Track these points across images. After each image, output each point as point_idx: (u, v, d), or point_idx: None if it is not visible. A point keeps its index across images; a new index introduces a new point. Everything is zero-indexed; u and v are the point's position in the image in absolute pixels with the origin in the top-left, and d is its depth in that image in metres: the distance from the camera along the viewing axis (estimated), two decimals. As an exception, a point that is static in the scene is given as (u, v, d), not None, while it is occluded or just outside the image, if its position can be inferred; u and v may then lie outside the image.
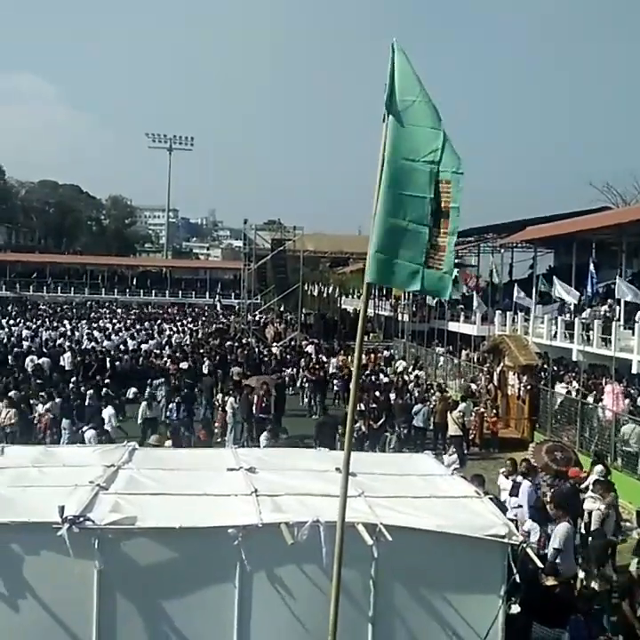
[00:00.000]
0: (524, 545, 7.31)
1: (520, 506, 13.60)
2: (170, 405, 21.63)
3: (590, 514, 13.37)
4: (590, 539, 12.32)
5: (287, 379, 30.77)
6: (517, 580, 7.19)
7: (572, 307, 31.79)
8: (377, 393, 23.83)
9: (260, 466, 8.59)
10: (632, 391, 23.10)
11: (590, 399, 22.75)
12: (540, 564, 7.70)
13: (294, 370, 32.84)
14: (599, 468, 15.02)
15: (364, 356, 36.67)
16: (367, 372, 30.08)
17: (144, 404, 21.11)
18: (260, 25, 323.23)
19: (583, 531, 13.25)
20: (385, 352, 40.27)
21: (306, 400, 28.08)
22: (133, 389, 26.15)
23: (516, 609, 8.05)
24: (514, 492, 13.84)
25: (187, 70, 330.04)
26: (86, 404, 21.43)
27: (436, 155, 5.68)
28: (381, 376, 29.80)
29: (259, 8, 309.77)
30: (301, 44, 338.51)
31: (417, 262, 5.71)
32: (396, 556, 6.96)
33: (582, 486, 14.35)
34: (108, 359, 30.88)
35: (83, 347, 36.35)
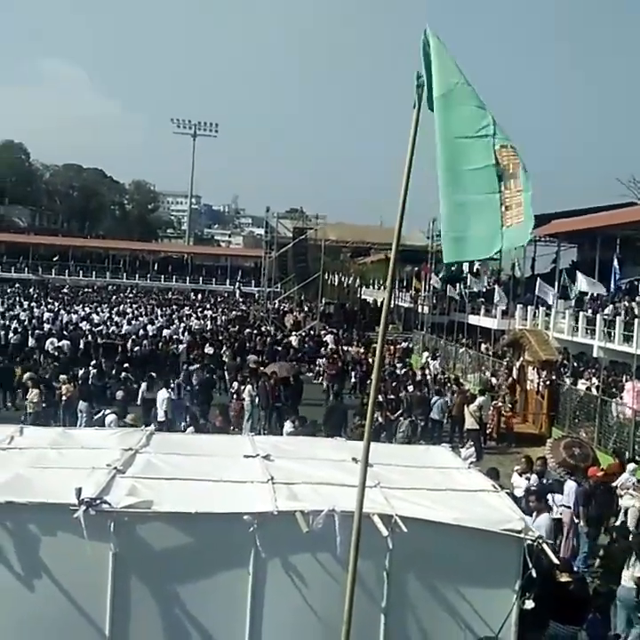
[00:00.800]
0: (540, 541, 7.26)
1: (568, 506, 13.46)
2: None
3: (626, 512, 13.34)
4: (631, 537, 12.19)
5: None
6: (534, 574, 7.14)
7: (594, 301, 31.51)
8: (394, 384, 23.82)
9: (277, 454, 8.58)
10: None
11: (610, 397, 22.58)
12: (555, 561, 7.64)
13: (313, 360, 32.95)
14: (632, 465, 14.94)
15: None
16: (386, 363, 30.02)
17: (144, 385, 21.01)
18: (286, 9, 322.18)
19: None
20: (403, 344, 40.15)
21: (323, 389, 28.13)
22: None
23: (530, 605, 8.00)
24: (559, 489, 13.81)
25: (212, 56, 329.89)
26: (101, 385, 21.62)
27: (489, 129, 5.64)
28: (399, 367, 29.79)
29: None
30: (325, 27, 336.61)
31: (493, 228, 5.64)
32: (410, 548, 6.93)
33: (614, 484, 14.25)
34: (127, 344, 31.10)
35: (102, 331, 36.61)
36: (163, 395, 19.10)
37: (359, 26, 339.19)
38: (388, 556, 6.94)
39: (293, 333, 42.48)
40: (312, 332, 44.07)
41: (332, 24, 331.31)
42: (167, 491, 7.20)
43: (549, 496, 13.41)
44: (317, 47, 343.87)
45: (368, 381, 22.88)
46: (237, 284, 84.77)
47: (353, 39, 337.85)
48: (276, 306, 57.84)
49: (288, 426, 17.30)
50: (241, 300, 74.76)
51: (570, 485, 13.71)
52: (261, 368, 25.14)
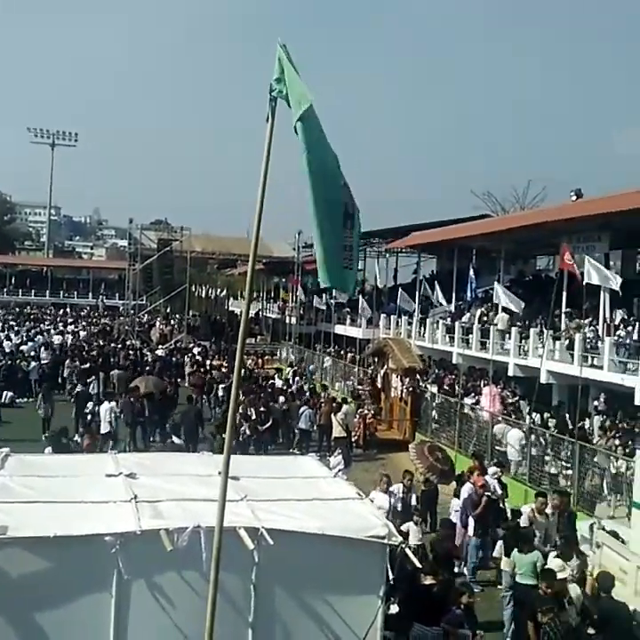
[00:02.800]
0: (403, 545, 7.46)
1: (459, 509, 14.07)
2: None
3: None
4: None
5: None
6: (391, 581, 7.33)
7: (451, 311, 32.77)
8: (262, 395, 23.86)
9: (141, 471, 8.40)
10: (508, 393, 24.01)
11: (468, 400, 23.53)
12: (418, 564, 7.88)
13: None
14: (494, 469, 15.56)
15: (251, 359, 36.70)
16: (254, 375, 30.13)
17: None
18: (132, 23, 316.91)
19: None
20: (274, 356, 40.27)
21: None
22: (10, 394, 25.32)
23: (394, 609, 8.21)
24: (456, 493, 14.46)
25: (62, 58, 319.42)
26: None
27: (337, 161, 5.76)
28: (277, 380, 29.86)
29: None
30: (182, 41, 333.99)
31: (338, 263, 5.79)
32: (277, 560, 6.96)
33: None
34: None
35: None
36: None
37: (212, 38, 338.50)
38: (254, 570, 6.94)
39: (160, 347, 41.75)
40: (179, 345, 43.48)
41: (189, 35, 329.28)
42: (24, 515, 6.91)
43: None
44: (181, 58, 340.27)
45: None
46: (100, 297, 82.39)
47: (209, 51, 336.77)
48: (142, 319, 56.64)
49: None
50: (105, 313, 72.63)
51: (466, 488, 14.24)
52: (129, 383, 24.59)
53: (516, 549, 11.55)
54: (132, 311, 54.16)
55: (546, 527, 12.86)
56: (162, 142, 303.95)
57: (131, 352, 36.44)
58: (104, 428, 19.43)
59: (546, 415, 21.60)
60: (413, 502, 14.21)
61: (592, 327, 22.95)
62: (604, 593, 9.84)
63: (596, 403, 21.38)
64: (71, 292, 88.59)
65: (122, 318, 57.64)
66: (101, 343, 40.09)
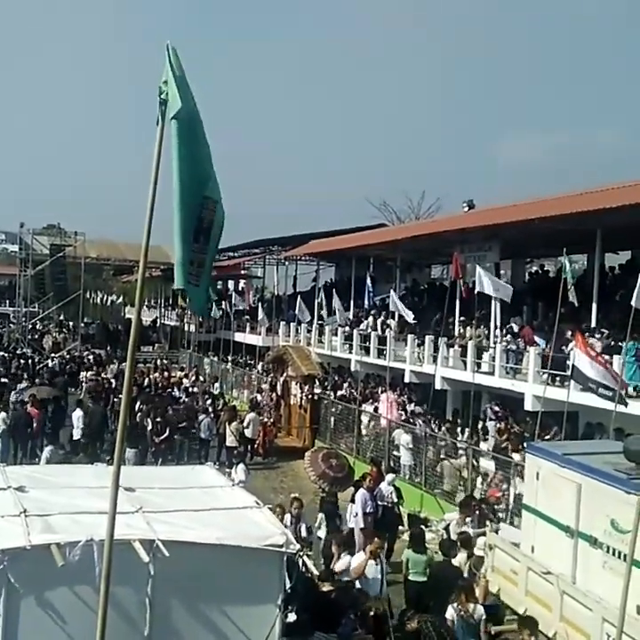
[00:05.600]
0: (301, 553, 7.51)
1: (356, 514, 14.20)
2: None
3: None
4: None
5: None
6: (288, 589, 7.37)
7: (347, 319, 33.20)
8: (160, 405, 23.50)
9: (31, 484, 8.13)
10: (404, 399, 24.51)
11: (367, 407, 23.88)
12: (315, 571, 7.95)
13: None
14: (391, 476, 15.86)
15: (154, 371, 35.99)
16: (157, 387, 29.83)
17: None
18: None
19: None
20: (174, 366, 39.49)
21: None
22: None
23: (292, 617, 8.24)
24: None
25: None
26: None
27: (209, 171, 5.61)
28: (176, 390, 29.50)
29: None
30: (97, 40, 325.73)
31: (183, 276, 5.61)
32: (173, 572, 6.87)
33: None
34: None
35: None
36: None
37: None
38: (149, 582, 6.83)
39: (53, 355, 40.50)
40: (74, 354, 42.33)
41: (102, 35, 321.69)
42: None
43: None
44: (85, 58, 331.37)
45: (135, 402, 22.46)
46: (-11, 303, 79.25)
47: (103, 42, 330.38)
48: (34, 326, 54.79)
49: (46, 452, 16.63)
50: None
51: (360, 493, 14.42)
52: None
53: (410, 549, 12.02)
54: (23, 318, 52.32)
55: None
56: (57, 142, 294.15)
57: (22, 361, 35.28)
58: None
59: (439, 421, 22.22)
60: (303, 533, 12.70)
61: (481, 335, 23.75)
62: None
63: (489, 408, 22.05)
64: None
65: (13, 326, 55.64)
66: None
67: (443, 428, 21.13)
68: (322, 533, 13.65)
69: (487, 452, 17.96)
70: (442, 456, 19.00)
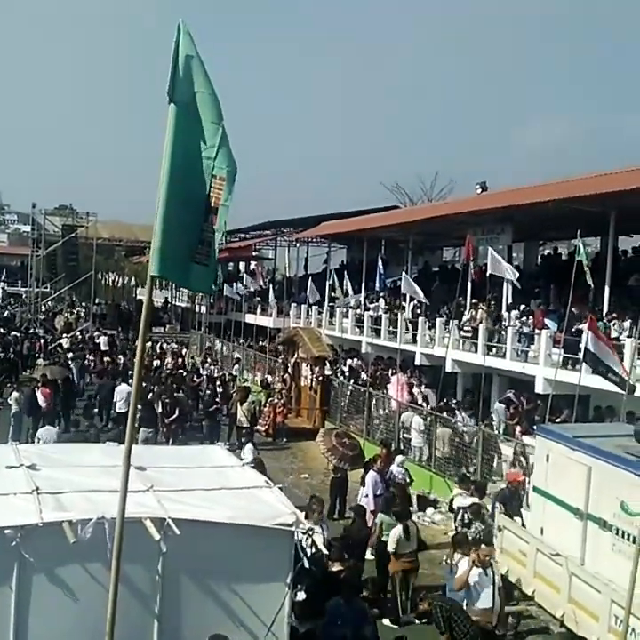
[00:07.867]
0: (311, 533, 7.55)
1: (367, 495, 14.31)
2: None
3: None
4: None
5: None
6: (306, 565, 7.40)
7: (359, 301, 33.17)
8: (174, 385, 23.59)
9: (43, 462, 8.18)
10: (414, 381, 24.49)
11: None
12: (325, 551, 7.98)
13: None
14: (400, 457, 15.90)
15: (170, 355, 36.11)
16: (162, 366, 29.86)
17: None
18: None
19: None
20: (184, 350, 39.46)
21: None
22: None
23: (301, 596, 8.28)
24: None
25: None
26: None
27: (213, 151, 5.57)
28: (202, 372, 29.60)
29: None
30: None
31: (184, 256, 5.60)
32: (184, 550, 6.92)
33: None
34: None
35: None
36: None
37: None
38: (161, 560, 6.88)
39: (64, 335, 40.68)
40: (85, 335, 42.48)
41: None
42: None
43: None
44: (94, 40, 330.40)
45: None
46: (2, 283, 79.57)
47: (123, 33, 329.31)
48: (46, 307, 55.03)
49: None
50: (7, 301, 70.17)
51: (370, 475, 14.53)
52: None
53: (384, 514, 12.43)
54: (35, 299, 52.56)
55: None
56: (70, 125, 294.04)
57: (34, 340, 35.46)
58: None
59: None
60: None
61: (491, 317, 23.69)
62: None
63: (507, 396, 21.87)
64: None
65: (25, 306, 55.87)
66: (2, 331, 38.80)
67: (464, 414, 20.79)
68: None
69: (498, 435, 17.95)
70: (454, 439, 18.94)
